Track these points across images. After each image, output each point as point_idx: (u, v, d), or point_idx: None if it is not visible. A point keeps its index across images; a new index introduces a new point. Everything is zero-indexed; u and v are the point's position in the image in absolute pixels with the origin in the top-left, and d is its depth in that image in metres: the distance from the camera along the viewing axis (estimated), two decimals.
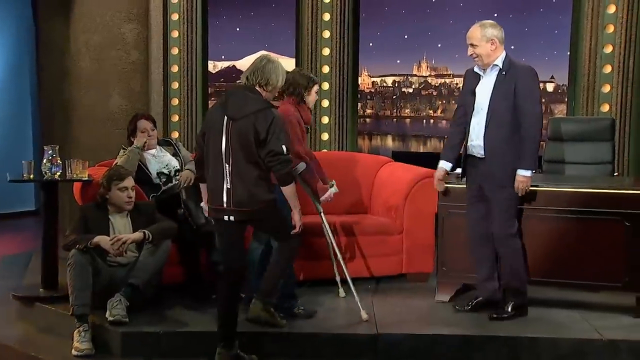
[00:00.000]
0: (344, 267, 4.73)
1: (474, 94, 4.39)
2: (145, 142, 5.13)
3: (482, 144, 4.34)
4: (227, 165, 3.87)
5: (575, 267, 4.53)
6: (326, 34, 7.06)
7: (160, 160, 5.18)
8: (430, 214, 5.14)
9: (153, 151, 5.21)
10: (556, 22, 6.83)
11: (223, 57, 7.51)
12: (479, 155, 4.38)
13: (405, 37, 7.35)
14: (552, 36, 6.86)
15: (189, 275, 4.88)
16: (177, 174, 5.14)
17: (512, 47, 6.65)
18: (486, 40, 4.28)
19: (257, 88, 3.95)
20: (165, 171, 5.14)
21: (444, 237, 4.80)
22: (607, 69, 6.45)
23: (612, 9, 6.38)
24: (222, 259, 4.20)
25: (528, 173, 4.27)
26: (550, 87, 7.01)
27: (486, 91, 4.33)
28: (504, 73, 4.29)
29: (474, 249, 4.54)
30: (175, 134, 7.18)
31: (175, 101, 7.20)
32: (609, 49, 6.42)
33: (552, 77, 6.99)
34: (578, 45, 6.57)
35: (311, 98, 4.58)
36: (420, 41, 7.32)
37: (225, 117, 3.88)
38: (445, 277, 4.82)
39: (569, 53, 6.68)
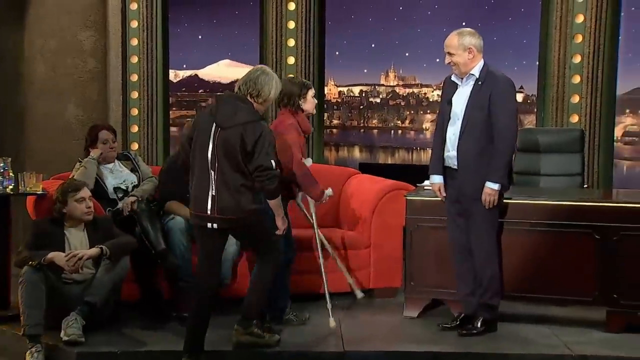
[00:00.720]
0: (325, 282, 4.72)
1: (450, 103, 4.41)
2: (101, 154, 5.08)
3: (456, 154, 4.37)
4: (212, 172, 3.93)
5: (544, 281, 4.57)
6: (291, 42, 7.06)
7: (117, 175, 5.14)
8: (398, 227, 5.15)
9: (110, 165, 5.16)
10: (525, 31, 6.91)
11: (184, 66, 7.48)
12: (454, 167, 4.41)
13: (373, 45, 7.38)
14: (520, 46, 6.95)
15: (146, 292, 4.83)
16: (134, 190, 5.09)
17: None
18: (463, 49, 4.30)
19: (249, 99, 3.99)
20: (123, 187, 5.09)
21: (412, 251, 4.81)
22: (576, 79, 6.53)
23: (580, 19, 6.46)
24: (198, 269, 4.17)
25: (495, 186, 4.29)
26: (519, 97, 7.08)
27: (462, 101, 4.36)
28: (480, 83, 4.32)
29: (455, 263, 4.55)
30: (134, 145, 7.11)
31: (134, 111, 7.13)
32: (577, 59, 6.51)
33: (522, 88, 7.07)
34: (547, 55, 6.64)
35: (308, 105, 4.56)
36: (388, 50, 7.36)
37: (214, 125, 3.94)
38: (414, 292, 4.82)
39: (537, 63, 6.77)
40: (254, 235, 4.12)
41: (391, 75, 7.49)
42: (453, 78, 4.45)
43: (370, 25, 7.34)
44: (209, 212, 3.96)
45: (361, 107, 7.60)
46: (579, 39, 6.50)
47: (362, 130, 7.63)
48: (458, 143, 4.34)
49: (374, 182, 5.61)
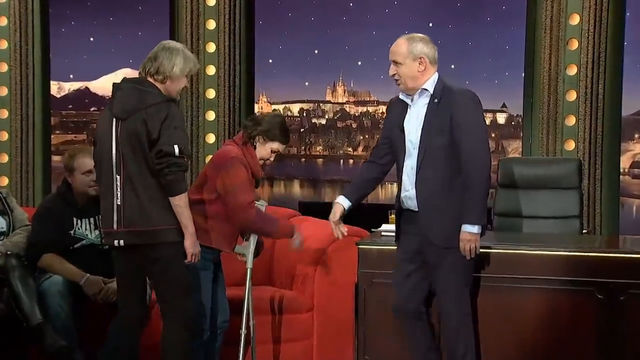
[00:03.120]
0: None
1: (402, 129, 4.43)
2: None
3: (415, 193, 4.38)
4: (117, 177, 4.10)
5: (533, 353, 4.58)
6: (211, 47, 7.06)
7: None
8: (348, 284, 5.13)
9: None
10: (507, 35, 7.04)
11: (71, 76, 7.43)
12: (414, 209, 4.41)
13: (316, 52, 7.43)
14: (502, 53, 7.06)
15: None
16: (2, 237, 5.01)
17: (452, 66, 6.87)
18: (413, 57, 4.33)
19: (150, 79, 4.17)
20: None
21: (366, 316, 4.80)
22: (572, 95, 6.66)
23: (575, 20, 6.61)
24: (117, 300, 4.38)
25: (475, 229, 4.31)
26: (501, 118, 7.19)
27: (416, 125, 4.37)
28: (436, 100, 4.34)
29: (407, 329, 4.55)
30: (3, 180, 7.00)
31: (3, 135, 7.07)
32: (572, 71, 6.64)
33: (504, 106, 7.18)
34: (534, 65, 6.76)
35: (262, 151, 4.63)
36: (335, 57, 7.42)
37: (113, 118, 4.10)
38: None
39: (523, 75, 6.88)
40: (165, 269, 4.15)
41: (339, 89, 7.54)
42: (402, 97, 4.47)
43: (312, 26, 7.40)
44: (115, 226, 4.12)
45: (302, 130, 7.63)
46: (575, 45, 6.64)
47: (303, 159, 7.65)
48: (416, 178, 4.36)
49: (318, 226, 5.59)
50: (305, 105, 7.64)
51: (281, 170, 7.62)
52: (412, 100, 4.41)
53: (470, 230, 4.30)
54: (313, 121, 7.61)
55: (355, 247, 4.85)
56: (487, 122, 7.25)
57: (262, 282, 5.62)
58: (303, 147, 7.65)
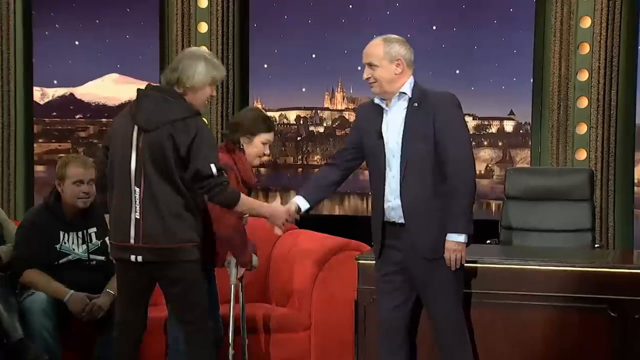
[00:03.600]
0: None
1: (381, 135, 4.40)
2: None
3: (401, 204, 4.36)
4: (137, 189, 4.11)
5: None
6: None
7: None
8: (348, 301, 5.13)
9: None
10: (515, 38, 7.05)
11: (56, 81, 7.44)
12: (399, 221, 4.39)
13: (313, 56, 7.44)
14: (510, 57, 7.07)
15: None
16: None
17: (457, 71, 6.89)
18: (390, 59, 4.30)
19: (177, 90, 4.19)
20: None
21: (367, 335, 4.78)
22: (583, 102, 6.66)
23: (586, 23, 6.62)
24: (119, 317, 4.34)
25: (461, 238, 4.28)
26: (509, 126, 7.19)
27: (395, 131, 4.34)
28: (415, 104, 4.32)
29: (387, 352, 4.51)
30: None
31: None
32: (584, 76, 6.64)
33: (512, 113, 7.18)
34: (544, 70, 6.76)
35: (253, 150, 4.65)
36: (334, 62, 7.43)
37: (135, 127, 4.12)
38: None
39: (532, 81, 6.89)
40: (187, 287, 4.17)
41: (338, 95, 7.55)
42: (377, 101, 4.44)
43: (309, 29, 7.41)
44: (132, 240, 4.11)
45: (299, 138, 7.63)
46: (586, 49, 6.65)
47: (300, 169, 7.65)
48: (400, 189, 4.33)
49: (316, 240, 5.61)
50: (302, 113, 7.65)
51: (277, 181, 7.62)
52: (387, 104, 4.39)
53: (456, 239, 4.26)
54: (310, 129, 7.62)
55: (355, 263, 4.84)
56: (494, 129, 7.29)
57: (257, 299, 5.62)
58: (300, 157, 7.65)
